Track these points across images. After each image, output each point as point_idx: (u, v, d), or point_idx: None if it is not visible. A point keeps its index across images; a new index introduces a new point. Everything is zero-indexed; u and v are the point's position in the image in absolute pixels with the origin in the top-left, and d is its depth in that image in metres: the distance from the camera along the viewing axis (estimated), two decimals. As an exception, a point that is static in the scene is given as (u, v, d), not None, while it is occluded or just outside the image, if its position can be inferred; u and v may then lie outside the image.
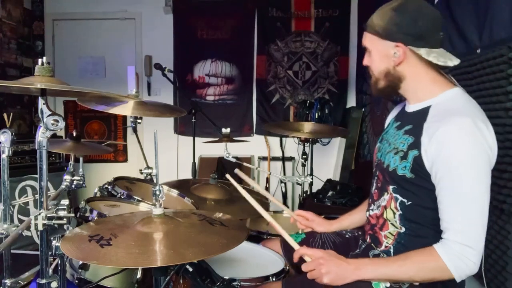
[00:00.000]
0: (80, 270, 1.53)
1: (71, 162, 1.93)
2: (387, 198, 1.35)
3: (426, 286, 1.26)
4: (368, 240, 1.46)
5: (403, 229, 1.31)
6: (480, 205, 1.16)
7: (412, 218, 1.29)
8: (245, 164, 2.78)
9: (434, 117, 1.25)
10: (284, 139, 4.57)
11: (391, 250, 1.34)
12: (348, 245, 1.57)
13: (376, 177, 1.45)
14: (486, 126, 1.19)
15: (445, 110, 1.24)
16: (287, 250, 1.62)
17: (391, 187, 1.33)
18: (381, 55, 1.33)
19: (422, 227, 1.27)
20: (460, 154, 1.16)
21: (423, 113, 1.29)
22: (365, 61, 1.41)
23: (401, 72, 1.32)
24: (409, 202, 1.28)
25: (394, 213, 1.33)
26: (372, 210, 1.44)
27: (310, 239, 1.64)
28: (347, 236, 1.62)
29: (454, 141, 1.17)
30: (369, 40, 1.36)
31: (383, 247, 1.37)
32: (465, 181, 1.16)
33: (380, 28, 1.30)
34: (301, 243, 1.62)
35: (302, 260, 1.32)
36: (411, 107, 1.38)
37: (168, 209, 1.21)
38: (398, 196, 1.31)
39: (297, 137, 4.09)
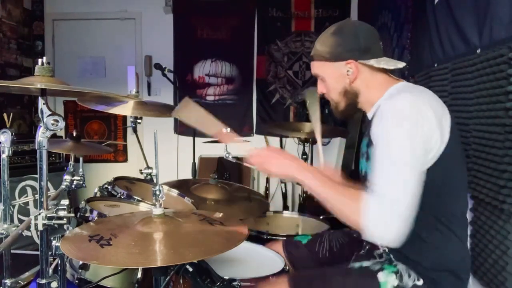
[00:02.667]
0: (80, 270, 1.53)
1: (71, 162, 1.93)
2: None
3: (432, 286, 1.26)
4: (369, 242, 1.46)
5: None
6: (403, 169, 1.14)
7: None
8: (245, 164, 2.78)
9: (378, 111, 1.29)
10: (284, 139, 4.57)
11: (390, 254, 1.35)
12: (354, 245, 1.57)
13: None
14: (423, 103, 1.20)
15: (388, 100, 1.28)
16: (289, 252, 1.64)
17: None
18: (335, 77, 1.38)
19: (416, 228, 1.22)
20: (386, 123, 1.19)
21: (376, 114, 1.33)
22: (320, 89, 1.45)
23: (356, 87, 1.38)
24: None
25: None
26: None
27: (318, 240, 1.65)
28: (354, 235, 1.62)
29: (384, 116, 1.20)
30: (319, 67, 1.41)
31: (381, 251, 1.39)
32: (387, 146, 1.17)
33: (327, 53, 1.36)
34: (308, 244, 1.64)
35: None
36: (369, 115, 1.42)
37: (168, 209, 1.21)
38: None
39: (297, 137, 4.09)
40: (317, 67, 1.42)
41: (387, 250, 1.36)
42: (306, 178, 1.27)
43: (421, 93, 1.29)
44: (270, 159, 1.33)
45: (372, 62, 1.32)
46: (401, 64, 1.34)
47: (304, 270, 1.58)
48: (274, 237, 1.86)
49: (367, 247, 1.48)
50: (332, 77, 1.39)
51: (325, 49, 1.37)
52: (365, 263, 1.35)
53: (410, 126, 1.16)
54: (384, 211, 1.11)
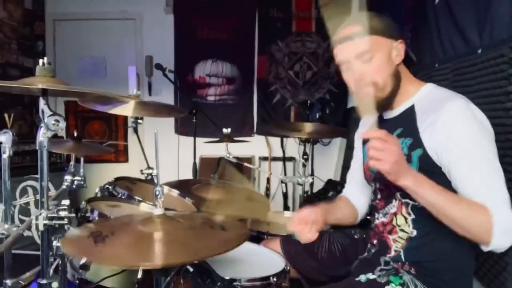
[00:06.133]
0: (80, 270, 1.53)
1: (72, 162, 1.93)
2: (397, 204, 1.34)
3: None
4: (376, 245, 1.44)
5: (414, 233, 1.30)
6: (502, 173, 1.15)
7: (425, 220, 1.26)
8: (245, 164, 2.78)
9: (425, 112, 1.26)
10: (284, 139, 4.57)
11: (402, 255, 1.33)
12: (356, 248, 1.55)
13: (376, 189, 1.44)
14: (475, 107, 1.22)
15: (434, 101, 1.25)
16: (287, 251, 1.61)
17: (398, 193, 1.32)
18: (387, 56, 1.28)
19: (436, 227, 1.22)
20: (467, 134, 1.16)
21: (409, 113, 1.30)
22: (362, 72, 1.27)
23: (399, 72, 1.32)
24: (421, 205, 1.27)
25: (406, 218, 1.31)
26: (378, 219, 1.43)
27: (317, 240, 1.62)
28: (355, 237, 1.60)
29: (458, 124, 1.17)
30: (372, 43, 1.25)
31: (392, 252, 1.36)
32: (480, 159, 1.15)
33: (382, 28, 1.27)
34: (306, 244, 1.58)
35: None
36: (392, 113, 1.37)
37: (170, 211, 1.20)
38: (408, 200, 1.29)
39: (298, 137, 4.09)
40: (369, 43, 1.25)
41: (402, 255, 1.33)
42: (423, 191, 1.14)
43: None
44: (389, 154, 1.09)
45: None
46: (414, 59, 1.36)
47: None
48: (274, 237, 1.85)
49: (373, 251, 1.45)
50: (384, 55, 1.27)
51: (377, 24, 1.26)
52: (371, 276, 1.32)
53: (485, 135, 1.18)
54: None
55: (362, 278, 1.31)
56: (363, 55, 1.26)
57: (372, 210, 1.47)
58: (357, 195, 1.64)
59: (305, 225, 1.45)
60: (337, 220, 1.61)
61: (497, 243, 1.11)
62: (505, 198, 1.13)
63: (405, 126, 1.30)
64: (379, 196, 1.43)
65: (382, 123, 1.40)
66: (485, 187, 1.14)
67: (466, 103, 1.21)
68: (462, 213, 1.12)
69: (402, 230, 1.33)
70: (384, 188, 1.39)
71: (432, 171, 1.21)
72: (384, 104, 1.32)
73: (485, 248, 1.13)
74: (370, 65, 1.27)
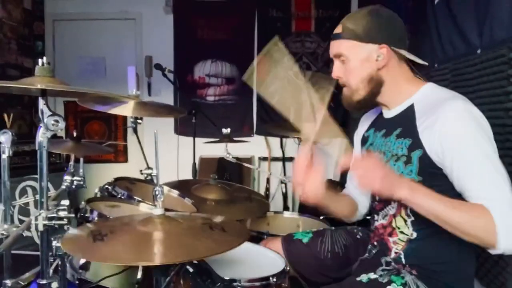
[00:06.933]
0: (80, 271, 1.53)
1: (72, 162, 1.93)
2: (395, 206, 1.33)
3: None
4: (377, 246, 1.44)
5: (414, 235, 1.29)
6: (504, 172, 1.13)
7: (425, 222, 1.23)
8: (245, 164, 2.78)
9: (423, 112, 1.25)
10: (284, 139, 4.57)
11: (402, 257, 1.32)
12: (357, 248, 1.54)
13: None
14: (474, 107, 1.21)
15: (433, 102, 1.24)
16: (288, 250, 1.60)
17: None
18: (362, 60, 1.30)
19: (436, 229, 1.19)
20: (466, 133, 1.15)
21: (409, 113, 1.30)
22: (337, 72, 1.34)
23: (382, 76, 1.31)
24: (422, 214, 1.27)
25: (405, 220, 1.30)
26: (377, 220, 1.42)
27: (319, 239, 1.60)
28: (358, 236, 1.59)
29: (456, 123, 1.16)
30: (346, 47, 1.30)
31: (393, 254, 1.35)
32: (480, 157, 1.14)
33: (361, 33, 1.29)
34: (309, 244, 1.59)
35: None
36: (391, 112, 1.37)
37: (171, 212, 1.20)
38: None
39: (298, 138, 4.09)
40: (343, 46, 1.31)
41: (402, 257, 1.32)
42: (420, 200, 1.14)
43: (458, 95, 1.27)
44: (376, 172, 1.14)
45: (404, 52, 1.28)
46: (424, 63, 1.33)
47: None
48: (274, 237, 1.85)
49: (373, 252, 1.45)
50: (359, 59, 1.29)
51: (358, 28, 1.28)
52: (372, 276, 1.30)
53: (483, 133, 1.16)
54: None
55: (364, 278, 1.29)
56: (339, 56, 1.34)
57: (372, 212, 1.47)
58: (357, 194, 1.63)
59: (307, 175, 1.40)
60: (335, 207, 1.53)
61: (504, 245, 1.08)
62: (507, 198, 1.10)
63: (404, 126, 1.29)
64: (377, 198, 1.43)
65: (383, 122, 1.41)
66: (487, 187, 1.12)
67: (464, 103, 1.20)
68: (463, 218, 1.10)
69: (402, 232, 1.32)
70: None
71: (433, 172, 1.21)
72: (362, 104, 1.37)
73: (493, 251, 1.10)
74: (345, 67, 1.33)
